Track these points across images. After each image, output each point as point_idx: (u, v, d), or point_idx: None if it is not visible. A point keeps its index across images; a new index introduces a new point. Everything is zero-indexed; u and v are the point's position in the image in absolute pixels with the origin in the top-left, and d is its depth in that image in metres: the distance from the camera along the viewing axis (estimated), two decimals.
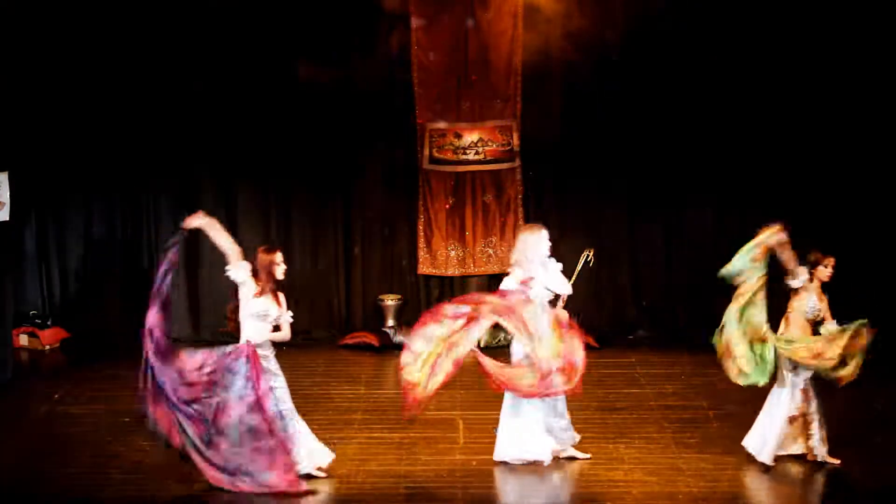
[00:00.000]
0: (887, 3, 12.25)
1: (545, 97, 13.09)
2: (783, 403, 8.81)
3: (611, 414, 10.11)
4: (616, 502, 8.04)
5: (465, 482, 8.55)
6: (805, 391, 8.81)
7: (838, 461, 8.78)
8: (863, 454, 8.97)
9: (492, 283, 13.57)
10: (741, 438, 9.15)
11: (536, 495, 8.44)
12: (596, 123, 13.06)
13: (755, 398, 10.47)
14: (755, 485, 8.61)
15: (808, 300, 8.80)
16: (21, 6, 12.41)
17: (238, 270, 8.43)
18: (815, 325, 8.85)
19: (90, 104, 12.95)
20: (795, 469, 8.80)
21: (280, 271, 8.52)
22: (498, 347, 12.92)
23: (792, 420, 8.83)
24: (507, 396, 8.92)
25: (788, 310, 8.91)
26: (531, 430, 8.80)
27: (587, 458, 8.94)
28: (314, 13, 12.83)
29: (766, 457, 8.79)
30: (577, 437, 9.07)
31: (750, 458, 8.88)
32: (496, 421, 9.01)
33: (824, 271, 8.80)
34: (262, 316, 8.37)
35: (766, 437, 8.86)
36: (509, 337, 12.90)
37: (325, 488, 8.40)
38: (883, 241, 12.64)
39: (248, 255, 13.53)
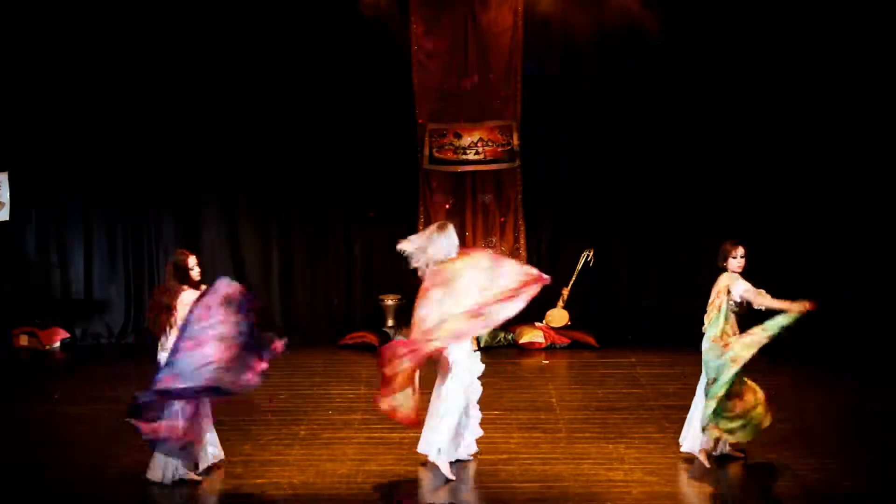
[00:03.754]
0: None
1: (545, 97, 13.09)
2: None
3: (611, 414, 10.09)
4: (616, 502, 8.02)
5: (464, 482, 8.54)
6: None
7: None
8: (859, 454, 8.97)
9: None
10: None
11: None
12: (596, 123, 13.07)
13: None
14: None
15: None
16: (22, 7, 12.44)
17: None
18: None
19: (91, 105, 12.97)
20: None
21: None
22: (499, 347, 12.96)
23: None
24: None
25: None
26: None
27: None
28: (314, 14, 12.84)
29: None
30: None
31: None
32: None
33: (734, 262, 8.78)
34: None
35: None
36: (509, 337, 12.99)
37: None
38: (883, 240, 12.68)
39: (249, 256, 13.63)
